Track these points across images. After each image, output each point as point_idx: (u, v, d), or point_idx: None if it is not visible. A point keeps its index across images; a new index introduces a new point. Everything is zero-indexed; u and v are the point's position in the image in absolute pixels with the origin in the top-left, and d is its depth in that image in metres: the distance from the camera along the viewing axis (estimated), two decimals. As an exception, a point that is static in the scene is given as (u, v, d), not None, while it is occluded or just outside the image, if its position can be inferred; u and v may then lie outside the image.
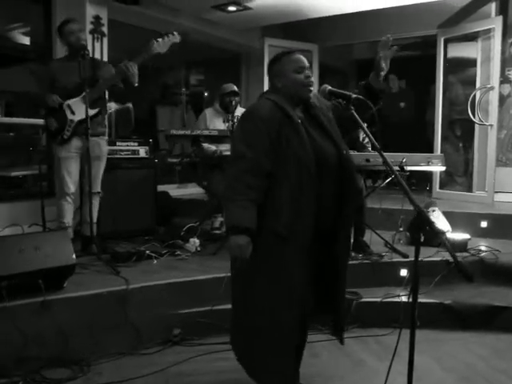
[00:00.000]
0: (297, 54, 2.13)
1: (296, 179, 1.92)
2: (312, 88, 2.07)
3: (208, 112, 4.77)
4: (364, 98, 2.01)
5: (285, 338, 2.03)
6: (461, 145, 5.86)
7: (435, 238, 4.07)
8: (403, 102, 7.56)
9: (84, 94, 3.54)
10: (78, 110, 3.62)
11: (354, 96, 2.01)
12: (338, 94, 2.06)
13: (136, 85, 3.63)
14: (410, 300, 1.75)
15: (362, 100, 1.98)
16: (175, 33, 3.62)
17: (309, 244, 1.96)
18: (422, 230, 1.71)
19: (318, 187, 1.93)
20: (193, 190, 5.90)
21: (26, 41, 4.96)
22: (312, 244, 1.98)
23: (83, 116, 3.55)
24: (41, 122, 3.97)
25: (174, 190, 5.97)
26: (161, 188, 5.43)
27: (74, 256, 2.89)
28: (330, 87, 2.09)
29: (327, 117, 2.14)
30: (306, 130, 1.98)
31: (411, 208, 1.73)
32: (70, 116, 3.64)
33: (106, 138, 3.98)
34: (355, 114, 1.97)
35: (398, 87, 7.74)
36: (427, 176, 5.89)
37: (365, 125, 2.02)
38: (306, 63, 2.09)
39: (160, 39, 3.57)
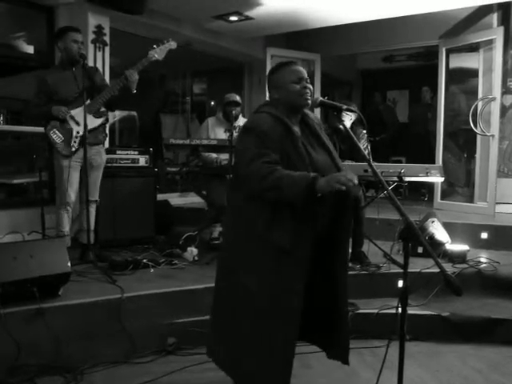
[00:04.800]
0: (295, 65, 2.13)
1: None
2: (309, 97, 2.06)
3: (210, 121, 4.80)
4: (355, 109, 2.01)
5: (283, 351, 2.01)
6: (463, 155, 5.85)
7: (436, 248, 4.06)
8: (430, 113, 7.53)
9: (87, 103, 3.55)
10: (82, 120, 3.55)
11: (345, 107, 2.01)
12: (329, 104, 2.07)
13: (134, 91, 3.65)
14: (400, 311, 1.74)
15: (353, 111, 1.99)
16: (171, 40, 3.69)
17: (308, 257, 1.95)
18: (409, 242, 1.69)
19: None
20: (194, 199, 5.90)
21: (30, 49, 5.02)
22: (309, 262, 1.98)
23: (90, 126, 3.55)
24: (40, 130, 3.89)
25: (176, 199, 5.98)
26: (162, 197, 5.45)
27: (68, 264, 2.89)
28: (321, 98, 2.09)
29: (321, 129, 2.15)
30: (303, 144, 1.99)
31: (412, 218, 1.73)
32: (75, 128, 3.61)
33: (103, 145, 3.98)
34: (345, 125, 1.97)
35: (430, 98, 7.72)
36: (431, 185, 5.90)
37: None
38: (305, 74, 2.10)
39: (156, 46, 3.65)
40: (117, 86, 3.66)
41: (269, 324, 1.99)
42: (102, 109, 3.73)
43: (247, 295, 2.04)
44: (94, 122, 3.62)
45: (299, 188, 1.80)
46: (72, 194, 3.70)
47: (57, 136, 3.61)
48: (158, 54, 3.65)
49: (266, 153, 1.90)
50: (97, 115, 3.65)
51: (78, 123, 3.61)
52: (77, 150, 3.62)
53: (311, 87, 2.09)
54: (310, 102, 2.07)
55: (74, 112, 3.61)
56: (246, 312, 2.06)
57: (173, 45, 3.70)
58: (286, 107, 2.07)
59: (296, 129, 2.07)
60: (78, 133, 3.61)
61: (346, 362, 2.21)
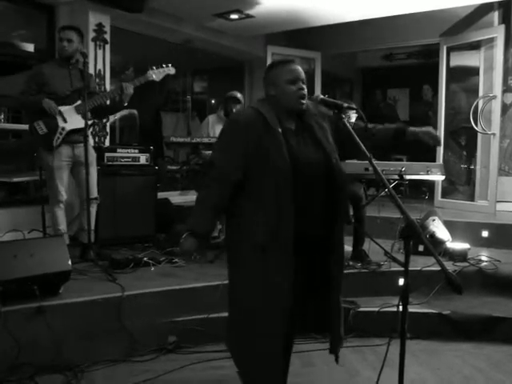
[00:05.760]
0: (293, 64, 2.08)
1: (274, 188, 1.90)
2: (304, 100, 2.03)
3: (211, 118, 4.79)
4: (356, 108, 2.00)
5: (270, 348, 2.00)
6: (464, 153, 5.84)
7: (436, 247, 4.05)
8: (431, 111, 7.51)
9: (78, 103, 3.60)
10: (70, 118, 3.60)
11: (346, 105, 2.00)
12: (329, 102, 2.05)
13: (126, 104, 3.72)
14: (400, 310, 1.74)
15: (354, 108, 1.98)
16: (170, 65, 3.83)
17: (291, 253, 1.93)
18: (410, 240, 1.69)
19: (297, 195, 1.90)
20: (194, 197, 5.87)
21: (30, 48, 5.01)
22: (300, 256, 1.96)
23: (75, 126, 3.59)
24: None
25: (176, 197, 5.97)
26: (163, 195, 5.44)
27: (69, 262, 2.89)
28: (321, 96, 2.08)
29: (319, 124, 2.10)
30: (287, 140, 1.96)
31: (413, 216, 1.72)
32: (61, 123, 3.60)
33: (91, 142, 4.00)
34: (346, 122, 1.96)
35: (431, 97, 7.70)
36: (432, 184, 5.89)
37: None
38: (302, 75, 2.05)
39: (155, 68, 3.77)
40: (111, 94, 3.73)
41: (256, 321, 1.99)
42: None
43: (237, 291, 2.07)
44: (81, 123, 3.59)
45: (187, 222, 2.09)
46: (63, 192, 3.71)
47: (40, 128, 3.59)
48: (155, 75, 3.77)
49: (217, 165, 2.03)
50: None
51: (65, 120, 3.61)
52: (59, 146, 3.61)
53: (306, 89, 2.05)
54: (304, 106, 2.04)
55: (63, 108, 3.60)
56: (240, 309, 2.07)
57: (171, 70, 3.85)
58: (279, 105, 2.04)
59: (288, 125, 2.04)
60: (63, 129, 3.60)
61: (336, 358, 2.20)
